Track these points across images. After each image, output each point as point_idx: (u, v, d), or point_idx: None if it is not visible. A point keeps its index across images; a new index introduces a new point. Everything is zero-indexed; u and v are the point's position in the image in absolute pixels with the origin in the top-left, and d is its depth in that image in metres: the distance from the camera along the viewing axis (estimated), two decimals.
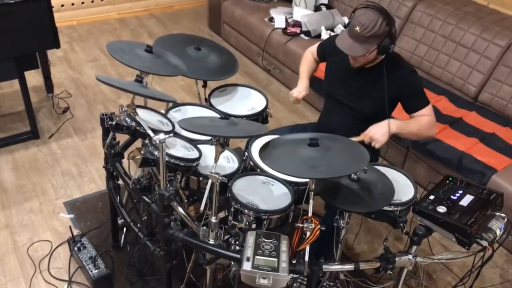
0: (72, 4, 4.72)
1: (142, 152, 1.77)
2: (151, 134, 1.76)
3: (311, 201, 1.59)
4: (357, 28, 1.90)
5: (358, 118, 2.18)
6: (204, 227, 1.75)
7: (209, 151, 2.05)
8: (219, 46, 2.51)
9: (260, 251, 1.57)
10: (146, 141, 1.83)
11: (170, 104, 2.25)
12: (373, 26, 1.89)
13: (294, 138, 1.77)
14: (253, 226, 1.75)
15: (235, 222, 1.78)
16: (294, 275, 1.57)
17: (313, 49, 2.42)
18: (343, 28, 3.85)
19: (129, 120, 1.91)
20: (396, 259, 1.73)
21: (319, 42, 2.41)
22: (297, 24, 3.92)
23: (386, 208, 1.75)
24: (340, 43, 1.99)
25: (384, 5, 3.66)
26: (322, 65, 2.39)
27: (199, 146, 2.01)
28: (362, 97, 2.14)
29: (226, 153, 2.08)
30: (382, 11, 1.90)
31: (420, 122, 2.07)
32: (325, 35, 3.78)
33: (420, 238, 1.69)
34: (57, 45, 2.89)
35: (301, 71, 2.39)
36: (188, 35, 2.55)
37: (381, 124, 2.00)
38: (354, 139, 1.97)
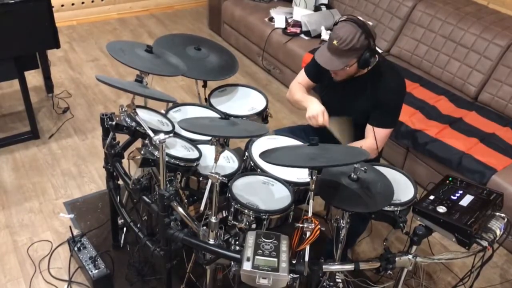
0: (72, 4, 4.73)
1: (142, 152, 1.77)
2: (151, 134, 1.76)
3: (311, 201, 1.59)
4: (335, 42, 1.91)
5: (355, 126, 2.17)
6: (204, 227, 1.75)
7: (209, 151, 2.05)
8: (219, 46, 2.51)
9: (260, 251, 1.57)
10: (146, 141, 1.83)
11: (170, 104, 2.25)
12: (350, 39, 1.88)
13: (295, 145, 1.78)
14: (253, 226, 1.75)
15: (235, 222, 1.78)
16: (294, 275, 1.57)
17: (299, 78, 2.34)
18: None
19: (129, 120, 1.91)
20: (396, 259, 1.73)
21: (302, 70, 2.34)
22: (297, 24, 3.92)
23: (386, 208, 1.75)
24: (318, 58, 1.99)
25: (384, 5, 3.70)
26: None
27: (199, 146, 2.01)
28: (351, 106, 2.14)
29: (226, 153, 2.08)
30: (361, 25, 1.90)
31: (360, 144, 2.05)
32: (325, 35, 3.78)
33: (420, 238, 1.69)
34: (57, 45, 2.89)
35: (300, 95, 2.25)
36: (188, 35, 2.55)
37: None
38: None
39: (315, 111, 2.07)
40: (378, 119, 2.08)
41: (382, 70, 2.06)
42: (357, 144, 2.08)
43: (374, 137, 2.06)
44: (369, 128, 2.10)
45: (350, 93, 2.15)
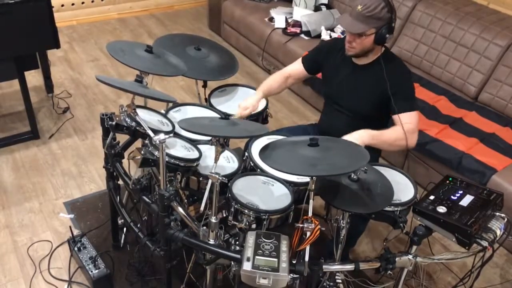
0: (72, 4, 4.72)
1: (142, 152, 1.76)
2: (151, 134, 1.76)
3: (311, 201, 1.59)
4: (359, 7, 1.94)
5: (357, 119, 2.18)
6: (204, 227, 1.75)
7: (209, 151, 2.04)
8: (219, 46, 2.51)
9: (260, 251, 1.57)
10: (146, 141, 1.83)
11: (170, 104, 2.25)
12: (374, 7, 1.93)
13: (295, 140, 1.78)
14: (253, 226, 1.75)
15: (235, 222, 1.78)
16: (294, 275, 1.57)
17: (290, 66, 2.37)
18: (343, 29, 3.85)
19: (129, 120, 1.91)
20: (396, 259, 1.73)
21: (299, 59, 2.35)
22: (297, 24, 3.92)
23: (386, 208, 1.75)
24: (340, 22, 2.04)
25: None
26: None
27: (199, 146, 2.01)
28: (358, 96, 2.14)
29: (226, 153, 2.08)
30: None
31: (397, 131, 2.02)
32: (325, 35, 3.78)
33: (420, 238, 1.69)
34: (57, 45, 2.89)
35: (262, 84, 2.33)
36: (188, 35, 2.55)
37: (352, 136, 1.94)
38: None
39: (246, 102, 2.21)
40: (400, 106, 2.05)
41: (388, 59, 2.08)
42: (393, 132, 2.04)
43: (401, 124, 2.03)
44: (395, 118, 2.07)
45: (356, 83, 2.14)
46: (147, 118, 1.96)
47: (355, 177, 1.75)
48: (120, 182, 2.15)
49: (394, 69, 2.07)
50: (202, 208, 1.77)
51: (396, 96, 2.05)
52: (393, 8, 1.96)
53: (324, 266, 1.68)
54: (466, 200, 1.70)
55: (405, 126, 2.01)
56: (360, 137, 1.94)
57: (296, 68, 2.35)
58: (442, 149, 2.75)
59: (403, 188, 1.89)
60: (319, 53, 2.29)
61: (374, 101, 2.11)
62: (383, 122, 2.25)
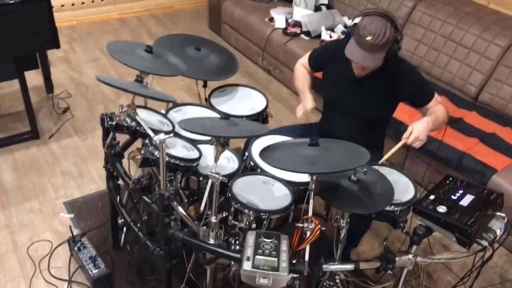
0: (72, 4, 4.72)
1: (142, 152, 1.76)
2: (151, 134, 1.76)
3: (311, 201, 1.59)
4: (369, 38, 1.83)
5: (362, 124, 2.17)
6: (204, 227, 1.75)
7: (209, 151, 2.04)
8: (219, 46, 2.51)
9: (260, 250, 1.57)
10: (146, 141, 1.83)
11: (170, 104, 2.25)
12: (384, 33, 1.83)
13: (295, 142, 1.78)
14: (253, 226, 1.75)
15: (235, 222, 1.78)
16: (294, 275, 1.57)
17: (303, 60, 2.33)
18: (343, 29, 3.85)
19: (129, 120, 1.91)
20: (396, 259, 1.72)
21: (309, 52, 2.32)
22: (297, 24, 3.92)
23: (386, 208, 1.75)
24: (351, 56, 1.93)
25: (384, 5, 3.70)
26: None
27: (199, 146, 2.01)
28: (368, 103, 2.12)
29: (226, 153, 2.08)
30: (386, 16, 1.86)
31: (439, 112, 2.07)
32: (325, 35, 3.78)
33: (420, 238, 1.69)
34: (57, 45, 2.89)
35: (299, 85, 2.30)
36: (188, 35, 2.55)
37: (421, 123, 1.96)
38: (398, 145, 1.97)
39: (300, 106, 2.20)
40: (424, 98, 2.10)
41: (393, 64, 2.03)
42: (439, 112, 2.08)
43: (435, 106, 2.10)
44: (426, 107, 2.12)
45: (365, 91, 2.11)
46: (147, 118, 1.96)
47: (354, 178, 1.74)
48: (120, 182, 2.15)
49: (401, 70, 2.05)
50: (202, 208, 1.77)
51: (416, 94, 2.09)
52: (396, 22, 1.88)
53: (324, 266, 1.68)
54: (466, 200, 1.70)
55: (439, 107, 2.09)
56: (427, 125, 1.97)
57: (305, 63, 2.33)
58: (442, 149, 2.75)
59: (403, 188, 1.89)
60: (326, 54, 2.23)
61: (386, 105, 2.13)
62: (387, 123, 2.25)
